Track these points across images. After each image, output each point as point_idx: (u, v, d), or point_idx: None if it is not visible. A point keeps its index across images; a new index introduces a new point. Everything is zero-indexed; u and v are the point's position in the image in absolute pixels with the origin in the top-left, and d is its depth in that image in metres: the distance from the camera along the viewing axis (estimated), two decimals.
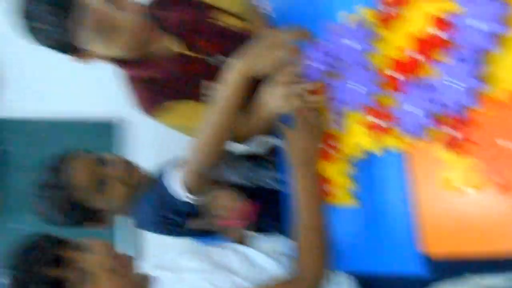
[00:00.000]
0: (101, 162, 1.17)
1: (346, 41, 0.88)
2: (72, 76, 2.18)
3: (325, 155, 0.97)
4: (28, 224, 2.15)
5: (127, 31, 1.03)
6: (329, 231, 0.95)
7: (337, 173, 0.96)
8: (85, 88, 2.22)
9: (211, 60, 1.16)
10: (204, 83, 1.16)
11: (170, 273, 0.99)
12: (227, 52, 1.15)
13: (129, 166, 1.21)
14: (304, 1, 1.10)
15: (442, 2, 0.70)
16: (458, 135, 0.66)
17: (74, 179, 1.12)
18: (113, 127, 2.32)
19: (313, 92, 0.94)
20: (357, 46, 0.86)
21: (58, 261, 0.87)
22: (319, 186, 0.96)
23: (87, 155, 1.18)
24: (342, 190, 0.95)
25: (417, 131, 0.73)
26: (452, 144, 0.67)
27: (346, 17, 0.89)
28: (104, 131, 2.33)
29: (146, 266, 1.07)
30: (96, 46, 1.03)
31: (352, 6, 0.89)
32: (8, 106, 2.25)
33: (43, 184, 1.14)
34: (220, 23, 1.19)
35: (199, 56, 1.16)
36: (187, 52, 1.15)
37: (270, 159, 1.36)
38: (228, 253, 1.03)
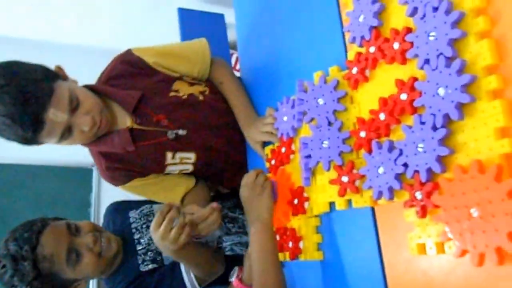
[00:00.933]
0: (72, 231, 1.14)
1: (319, 100, 0.90)
2: None
3: (297, 210, 0.97)
4: None
5: (86, 133, 1.07)
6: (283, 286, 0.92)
7: (308, 229, 0.95)
8: None
9: (169, 133, 1.17)
10: (163, 154, 1.19)
11: None
12: (185, 122, 1.19)
13: (99, 233, 1.20)
14: (281, 60, 1.13)
15: (409, 68, 0.72)
16: (427, 200, 0.66)
17: (44, 252, 1.07)
18: (89, 172, 2.34)
19: None
20: (329, 105, 0.88)
21: None
22: (274, 241, 0.95)
23: (57, 224, 1.14)
24: (312, 245, 0.94)
25: (385, 192, 0.73)
26: (421, 209, 0.67)
27: (320, 77, 0.91)
28: (82, 176, 2.34)
29: None
30: (58, 144, 1.09)
31: (327, 67, 0.92)
32: None
33: (10, 255, 1.07)
34: (175, 93, 1.20)
35: (153, 129, 1.17)
36: (139, 126, 1.15)
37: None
38: None
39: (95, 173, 2.33)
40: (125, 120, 1.16)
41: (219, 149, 1.25)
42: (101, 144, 1.16)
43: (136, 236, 1.30)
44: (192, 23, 1.30)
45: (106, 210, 1.44)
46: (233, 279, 1.13)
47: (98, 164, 1.22)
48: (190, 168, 1.25)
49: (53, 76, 1.03)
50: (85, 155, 2.06)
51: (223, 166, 1.30)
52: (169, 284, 1.23)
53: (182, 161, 1.22)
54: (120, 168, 1.20)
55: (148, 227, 1.30)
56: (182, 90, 1.22)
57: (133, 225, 1.32)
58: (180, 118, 1.19)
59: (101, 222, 1.44)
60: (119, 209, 1.40)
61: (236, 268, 1.16)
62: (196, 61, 1.26)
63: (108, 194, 2.32)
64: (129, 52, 1.21)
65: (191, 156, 1.22)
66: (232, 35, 1.75)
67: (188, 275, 1.21)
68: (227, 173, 1.33)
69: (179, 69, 1.23)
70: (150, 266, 1.26)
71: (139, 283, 1.24)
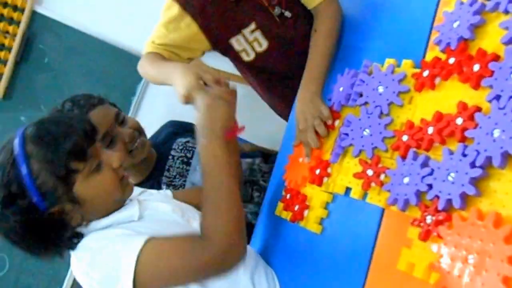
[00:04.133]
0: (118, 120, 1.21)
1: (380, 88, 0.88)
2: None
3: (317, 180, 0.98)
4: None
5: None
6: (240, 203, 0.87)
7: (318, 203, 0.97)
8: (129, 20, 2.27)
9: (277, 9, 1.19)
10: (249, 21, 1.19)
11: None
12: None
13: (139, 133, 1.25)
14: (361, 37, 1.10)
15: (477, 95, 0.69)
16: (434, 227, 0.66)
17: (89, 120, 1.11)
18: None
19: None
20: (388, 95, 0.86)
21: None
22: (229, 155, 0.89)
23: (110, 108, 1.21)
24: (315, 218, 0.96)
25: (400, 202, 0.73)
26: (425, 232, 0.67)
27: (389, 65, 0.88)
28: (130, 64, 2.39)
29: None
30: None
31: (401, 58, 0.89)
32: (58, 7, 2.34)
33: (63, 111, 1.17)
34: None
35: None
36: None
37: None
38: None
39: None
40: None
41: (283, 66, 1.28)
42: None
43: (168, 163, 1.33)
44: None
45: (164, 125, 1.50)
46: None
47: None
48: (251, 56, 1.24)
49: None
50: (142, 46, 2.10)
51: (274, 85, 1.33)
52: None
53: (252, 43, 1.22)
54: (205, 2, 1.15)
55: (183, 162, 1.33)
56: None
57: (172, 152, 1.35)
58: (295, 5, 1.21)
59: (139, 114, 1.50)
60: (173, 131, 1.43)
61: None
62: None
63: (154, 90, 2.37)
64: None
65: (264, 44, 1.22)
66: None
67: None
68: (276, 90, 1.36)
69: None
70: None
71: None
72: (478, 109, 0.68)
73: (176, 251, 0.82)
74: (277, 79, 1.34)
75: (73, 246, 0.86)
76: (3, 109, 2.39)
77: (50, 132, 0.82)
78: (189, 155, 1.35)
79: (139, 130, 1.27)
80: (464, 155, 0.65)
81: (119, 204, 0.93)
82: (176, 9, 1.15)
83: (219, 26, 1.18)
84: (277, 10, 1.19)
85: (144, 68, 1.18)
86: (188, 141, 1.38)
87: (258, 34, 1.21)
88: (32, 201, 0.80)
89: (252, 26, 1.19)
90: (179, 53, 1.20)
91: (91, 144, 0.86)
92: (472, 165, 0.63)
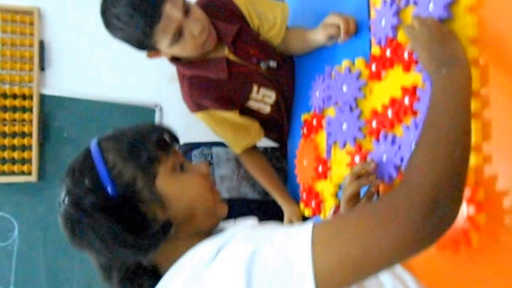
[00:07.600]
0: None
1: (344, 87, 1.04)
2: (120, 66, 2.48)
3: (322, 175, 1.14)
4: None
5: (196, 38, 1.16)
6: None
7: (329, 194, 1.13)
8: (130, 77, 2.47)
9: (262, 63, 1.31)
10: (251, 86, 1.31)
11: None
12: (276, 57, 1.33)
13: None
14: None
15: (414, 78, 0.85)
16: None
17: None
18: (152, 113, 2.57)
19: None
20: (352, 92, 1.02)
21: None
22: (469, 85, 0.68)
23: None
24: (330, 208, 1.12)
25: (385, 178, 0.89)
26: None
27: (345, 67, 1.04)
28: (143, 116, 2.57)
29: None
30: (169, 48, 1.18)
31: (354, 57, 1.04)
32: (62, 85, 2.54)
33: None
34: (260, 37, 1.32)
35: (245, 62, 1.29)
36: (233, 58, 1.27)
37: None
38: None
39: (157, 114, 2.56)
40: (222, 50, 1.27)
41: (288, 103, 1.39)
42: (196, 68, 1.27)
43: None
44: None
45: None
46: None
47: (186, 88, 1.31)
48: (267, 109, 1.36)
49: None
50: (149, 95, 2.35)
51: (284, 119, 1.43)
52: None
53: (264, 99, 1.34)
54: (205, 95, 1.29)
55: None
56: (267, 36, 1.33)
57: (194, 161, 1.47)
58: (271, 53, 1.33)
59: None
60: (186, 149, 1.52)
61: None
62: (273, 23, 1.32)
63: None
64: None
65: (272, 95, 1.34)
66: None
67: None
68: (284, 127, 1.45)
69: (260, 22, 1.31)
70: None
71: None
72: (416, 87, 0.83)
73: (360, 228, 0.54)
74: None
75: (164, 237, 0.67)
76: (42, 190, 2.55)
77: (127, 132, 0.75)
78: (208, 158, 1.48)
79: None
80: (416, 126, 0.81)
81: (213, 224, 0.74)
82: (200, 116, 1.33)
83: (232, 100, 1.31)
84: (263, 65, 1.31)
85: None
86: (202, 150, 1.50)
87: (263, 90, 1.33)
88: (107, 193, 0.67)
89: (255, 88, 1.32)
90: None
91: (173, 143, 0.75)
92: None
